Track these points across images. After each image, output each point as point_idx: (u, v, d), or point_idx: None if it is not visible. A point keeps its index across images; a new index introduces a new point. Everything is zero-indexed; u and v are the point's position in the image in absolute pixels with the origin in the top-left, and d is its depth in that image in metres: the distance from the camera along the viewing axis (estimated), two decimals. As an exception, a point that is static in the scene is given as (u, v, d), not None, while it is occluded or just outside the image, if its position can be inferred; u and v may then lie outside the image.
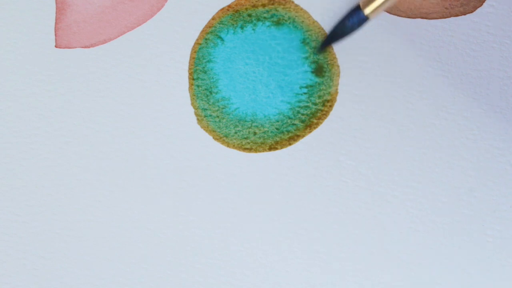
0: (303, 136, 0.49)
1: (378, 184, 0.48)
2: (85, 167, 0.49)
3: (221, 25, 0.50)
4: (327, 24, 0.50)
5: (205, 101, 0.50)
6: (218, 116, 0.49)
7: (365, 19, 0.47)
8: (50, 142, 0.50)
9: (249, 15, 0.50)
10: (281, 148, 0.49)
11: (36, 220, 0.49)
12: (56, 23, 0.51)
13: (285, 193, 0.48)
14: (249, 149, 0.49)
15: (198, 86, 0.50)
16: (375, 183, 0.48)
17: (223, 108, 0.50)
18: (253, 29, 0.50)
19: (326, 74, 0.49)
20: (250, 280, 0.47)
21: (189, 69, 0.50)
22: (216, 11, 0.51)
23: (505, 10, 0.49)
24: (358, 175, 0.48)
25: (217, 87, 0.50)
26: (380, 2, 0.47)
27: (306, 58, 0.49)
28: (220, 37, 0.50)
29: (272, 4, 0.50)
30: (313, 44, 0.49)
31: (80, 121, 0.50)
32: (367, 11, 0.47)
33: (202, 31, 0.50)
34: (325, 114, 0.49)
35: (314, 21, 0.50)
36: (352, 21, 0.47)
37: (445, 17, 0.49)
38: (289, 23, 0.50)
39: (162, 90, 0.50)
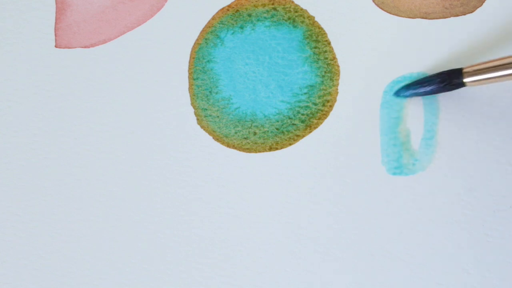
0: (303, 136, 0.49)
1: (378, 184, 0.47)
2: (85, 167, 0.49)
3: (221, 25, 0.50)
4: (327, 24, 0.50)
5: (205, 101, 0.50)
6: (218, 116, 0.50)
7: (461, 85, 0.45)
8: (50, 142, 0.50)
9: (249, 15, 0.50)
10: (281, 148, 0.49)
11: (36, 220, 0.49)
12: (56, 23, 0.52)
13: (285, 193, 0.48)
14: (249, 149, 0.49)
15: (198, 86, 0.50)
16: (375, 183, 0.48)
17: (223, 108, 0.50)
18: (252, 29, 0.50)
19: (326, 74, 0.49)
20: (250, 280, 0.47)
21: (189, 69, 0.50)
22: (216, 11, 0.51)
23: (505, 10, 0.49)
24: (358, 175, 0.48)
25: (217, 87, 0.50)
26: (485, 77, 0.44)
27: (307, 57, 0.49)
28: (220, 37, 0.50)
29: (272, 4, 0.50)
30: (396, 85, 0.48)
31: (80, 121, 0.50)
32: (468, 79, 0.45)
33: (202, 31, 0.51)
34: (325, 114, 0.49)
35: (314, 21, 0.50)
36: (448, 83, 0.45)
37: (445, 17, 0.49)
38: (289, 23, 0.50)
39: (162, 90, 0.50)
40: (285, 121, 0.49)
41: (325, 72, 0.49)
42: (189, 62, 0.50)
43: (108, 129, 0.50)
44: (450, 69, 0.46)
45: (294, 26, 0.50)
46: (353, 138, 0.48)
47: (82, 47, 0.51)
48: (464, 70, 0.45)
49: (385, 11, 0.50)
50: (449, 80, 0.46)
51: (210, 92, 0.50)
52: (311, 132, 0.49)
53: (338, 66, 0.49)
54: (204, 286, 0.47)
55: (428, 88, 0.46)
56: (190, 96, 0.50)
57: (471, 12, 0.49)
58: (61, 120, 0.50)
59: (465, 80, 0.45)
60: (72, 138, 0.50)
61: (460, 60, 0.48)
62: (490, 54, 0.48)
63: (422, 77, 0.47)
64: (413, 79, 0.48)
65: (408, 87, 0.47)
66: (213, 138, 0.49)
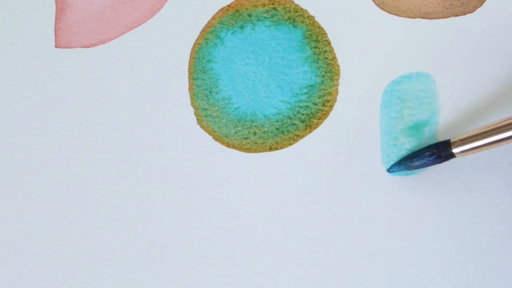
0: (303, 136, 0.49)
1: (378, 184, 0.48)
2: (85, 167, 0.49)
3: (221, 25, 0.50)
4: (327, 24, 0.50)
5: (205, 101, 0.50)
6: (218, 116, 0.50)
7: (451, 156, 0.45)
8: (50, 142, 0.50)
9: (249, 15, 0.50)
10: (281, 148, 0.49)
11: (36, 220, 0.49)
12: (56, 23, 0.52)
13: (285, 193, 0.48)
14: (249, 149, 0.49)
15: (198, 86, 0.50)
16: (375, 183, 0.48)
17: (223, 108, 0.50)
18: (252, 29, 0.50)
19: (326, 74, 0.49)
20: (250, 280, 0.47)
21: (189, 69, 0.50)
22: (216, 11, 0.51)
23: (505, 10, 0.49)
24: (358, 175, 0.48)
25: (217, 87, 0.50)
26: (474, 146, 0.44)
27: (307, 57, 0.50)
28: (220, 37, 0.50)
29: (272, 4, 0.50)
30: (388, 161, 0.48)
31: (80, 121, 0.50)
32: (457, 150, 0.45)
33: (202, 31, 0.51)
34: (325, 114, 0.49)
35: (314, 21, 0.50)
36: (437, 156, 0.45)
37: (445, 17, 0.49)
38: (289, 23, 0.50)
39: (162, 90, 0.50)
40: (285, 121, 0.49)
41: (325, 72, 0.49)
42: (189, 62, 0.50)
43: (108, 129, 0.50)
44: (437, 142, 0.46)
45: (294, 26, 0.50)
46: (353, 138, 0.48)
47: (82, 47, 0.51)
48: (452, 141, 0.45)
49: (385, 11, 0.50)
50: (437, 153, 0.46)
51: (210, 92, 0.50)
52: (311, 132, 0.49)
53: (338, 66, 0.49)
54: (204, 286, 0.47)
55: (418, 163, 0.46)
56: (190, 96, 0.50)
57: (471, 12, 0.49)
58: (61, 120, 0.50)
59: (454, 150, 0.45)
60: (72, 138, 0.50)
61: (460, 63, 0.48)
62: (490, 55, 0.48)
63: (410, 152, 0.47)
64: (402, 156, 0.47)
65: (399, 164, 0.47)
66: (213, 138, 0.49)
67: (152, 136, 0.49)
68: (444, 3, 0.49)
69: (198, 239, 0.48)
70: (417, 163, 0.46)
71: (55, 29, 0.51)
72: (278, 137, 0.49)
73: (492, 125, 0.44)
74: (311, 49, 0.50)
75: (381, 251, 0.47)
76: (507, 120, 0.44)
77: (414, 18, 0.49)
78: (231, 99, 0.50)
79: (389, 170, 0.47)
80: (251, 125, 0.49)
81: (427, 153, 0.46)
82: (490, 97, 0.48)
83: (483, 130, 0.44)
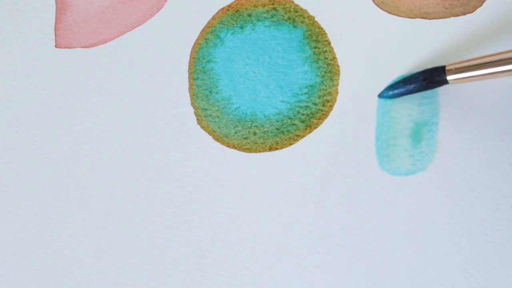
0: (303, 136, 0.49)
1: (378, 184, 0.48)
2: (85, 167, 0.49)
3: (221, 25, 0.50)
4: (327, 24, 0.50)
5: (205, 101, 0.50)
6: (218, 116, 0.50)
7: (444, 82, 0.46)
8: (50, 142, 0.50)
9: (249, 15, 0.50)
10: (281, 148, 0.49)
11: (36, 220, 0.49)
12: (56, 23, 0.52)
13: (285, 193, 0.48)
14: (249, 149, 0.49)
15: (198, 86, 0.50)
16: (375, 183, 0.48)
17: (223, 108, 0.50)
18: (252, 29, 0.50)
19: (326, 74, 0.49)
20: (250, 280, 0.47)
21: (189, 69, 0.50)
22: (216, 11, 0.51)
23: (505, 10, 0.49)
24: (358, 175, 0.48)
25: (217, 87, 0.50)
26: (468, 75, 0.45)
27: (307, 57, 0.50)
28: (220, 37, 0.50)
29: (272, 4, 0.50)
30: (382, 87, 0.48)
31: (80, 121, 0.50)
32: (451, 77, 0.45)
33: (202, 31, 0.51)
34: (325, 114, 0.49)
35: (314, 21, 0.50)
36: (430, 81, 0.46)
37: (445, 17, 0.49)
38: (289, 23, 0.50)
39: (162, 90, 0.50)
40: (285, 121, 0.49)
41: (325, 72, 0.49)
42: (189, 62, 0.50)
43: (108, 129, 0.50)
44: (433, 66, 0.47)
45: (294, 26, 0.50)
46: (353, 138, 0.48)
47: (82, 47, 0.51)
48: (447, 68, 0.46)
49: (385, 11, 0.50)
50: (431, 77, 0.46)
51: (210, 92, 0.50)
52: (311, 132, 0.49)
53: (338, 66, 0.49)
54: (204, 286, 0.47)
55: (410, 87, 0.47)
56: (190, 96, 0.50)
57: (471, 12, 0.49)
58: (61, 120, 0.50)
59: (448, 77, 0.45)
60: (72, 138, 0.50)
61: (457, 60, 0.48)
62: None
63: (404, 76, 0.47)
64: (396, 80, 0.48)
65: (391, 87, 0.47)
66: (213, 138, 0.49)
67: (152, 136, 0.49)
68: (444, 3, 0.49)
69: (198, 239, 0.48)
70: (409, 87, 0.46)
71: (55, 29, 0.51)
72: (278, 137, 0.49)
73: (489, 57, 0.44)
74: (311, 49, 0.50)
75: (381, 251, 0.47)
76: (504, 53, 0.44)
77: (414, 18, 0.49)
78: (231, 99, 0.50)
79: (380, 95, 0.47)
80: (251, 125, 0.49)
81: (421, 77, 0.46)
82: (490, 97, 0.48)
83: (479, 62, 0.45)
